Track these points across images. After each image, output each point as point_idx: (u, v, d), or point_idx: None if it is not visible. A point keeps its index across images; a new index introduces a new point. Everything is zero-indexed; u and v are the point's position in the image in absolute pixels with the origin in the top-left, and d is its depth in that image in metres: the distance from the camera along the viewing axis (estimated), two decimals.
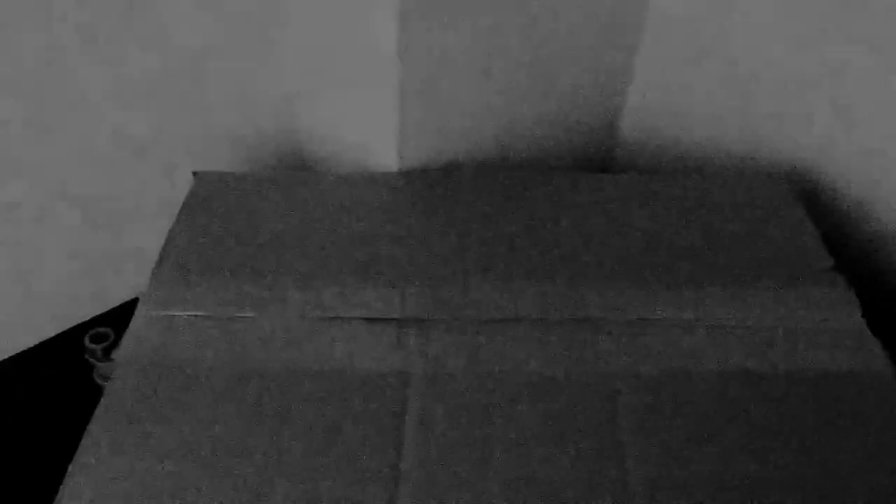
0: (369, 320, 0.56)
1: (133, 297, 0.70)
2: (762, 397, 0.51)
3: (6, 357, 0.76)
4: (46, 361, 0.76)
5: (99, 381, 0.67)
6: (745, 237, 0.62)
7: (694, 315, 0.56)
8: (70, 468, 0.48)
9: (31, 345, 0.77)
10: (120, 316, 0.61)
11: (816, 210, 0.69)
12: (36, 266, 0.75)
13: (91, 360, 0.68)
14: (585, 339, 0.55)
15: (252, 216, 0.65)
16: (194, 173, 0.70)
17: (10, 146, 0.67)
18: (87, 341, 0.68)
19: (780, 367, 0.53)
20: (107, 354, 0.66)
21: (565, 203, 0.67)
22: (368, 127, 0.73)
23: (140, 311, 0.58)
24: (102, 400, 0.52)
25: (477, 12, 0.68)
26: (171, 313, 0.57)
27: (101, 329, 0.68)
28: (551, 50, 0.75)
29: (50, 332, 0.78)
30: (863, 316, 0.56)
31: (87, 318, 0.78)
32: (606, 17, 0.77)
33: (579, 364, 0.53)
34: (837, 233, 0.71)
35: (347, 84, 0.73)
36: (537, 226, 0.64)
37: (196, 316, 0.57)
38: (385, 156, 0.72)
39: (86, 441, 0.49)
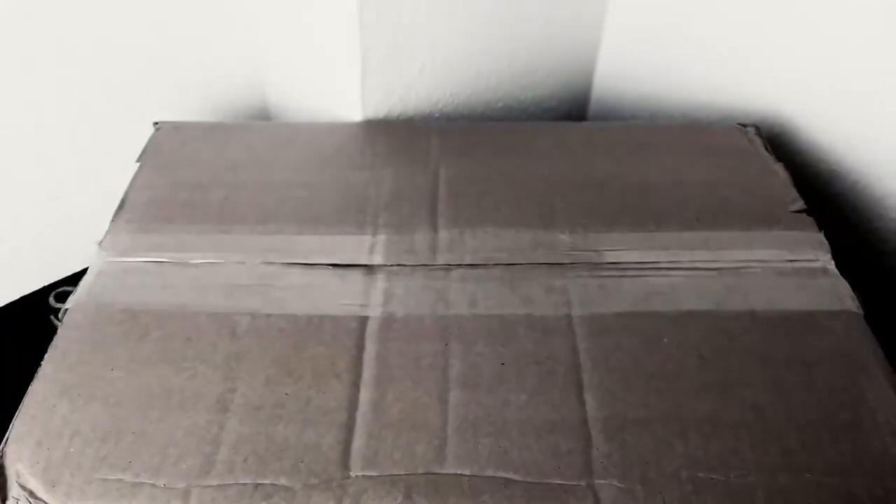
0: (335, 266, 0.55)
1: None
2: (727, 335, 0.50)
3: None
4: (9, 323, 0.75)
5: None
6: (715, 182, 0.61)
7: (664, 257, 0.55)
8: (18, 411, 0.47)
9: None
10: None
11: (788, 159, 0.68)
12: (7, 233, 0.74)
13: (56, 320, 0.66)
14: (554, 283, 0.54)
15: (214, 165, 0.64)
16: (155, 124, 0.68)
17: None
18: (51, 300, 0.67)
19: (747, 307, 0.52)
20: None
21: (533, 151, 0.65)
22: (331, 76, 0.72)
23: (97, 259, 0.57)
24: (53, 343, 0.51)
25: None
26: (128, 259, 0.56)
27: (67, 288, 0.67)
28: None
29: (14, 293, 0.77)
30: (832, 257, 0.55)
31: (55, 280, 0.77)
32: None
33: (545, 306, 0.52)
34: (809, 183, 0.70)
35: (310, 32, 0.72)
36: (506, 173, 0.63)
37: (154, 262, 0.56)
38: (348, 106, 0.71)
39: (35, 385, 0.48)
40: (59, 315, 0.54)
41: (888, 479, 0.42)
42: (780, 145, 0.71)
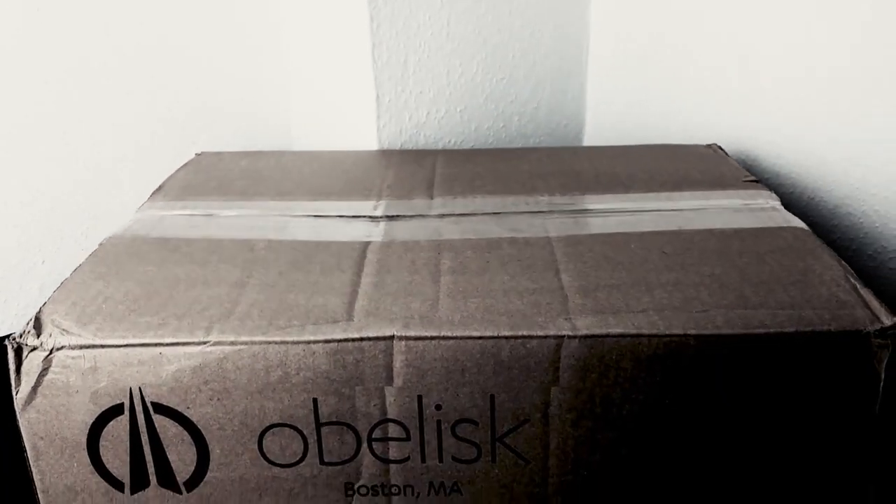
0: (344, 216, 0.63)
1: None
2: (687, 241, 0.56)
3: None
4: None
5: None
6: (678, 168, 0.70)
7: (632, 206, 0.63)
8: (55, 290, 0.52)
9: None
10: None
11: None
12: (49, 254, 0.82)
13: None
14: (535, 221, 0.61)
15: (245, 169, 0.74)
16: (197, 154, 0.79)
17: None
18: None
19: (705, 227, 0.58)
20: None
21: (524, 158, 0.75)
22: (350, 112, 0.83)
23: (132, 217, 0.64)
24: (92, 254, 0.57)
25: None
26: (163, 213, 0.64)
27: None
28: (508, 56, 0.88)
29: None
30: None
31: None
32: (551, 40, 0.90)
33: (526, 233, 0.59)
34: None
35: (331, 78, 0.85)
36: (496, 170, 0.72)
37: (185, 215, 0.63)
38: (366, 140, 0.82)
39: (71, 275, 0.54)
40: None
41: (835, 310, 0.47)
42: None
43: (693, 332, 0.46)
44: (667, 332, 0.46)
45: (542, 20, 0.89)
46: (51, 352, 0.47)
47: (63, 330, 0.47)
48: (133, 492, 0.49)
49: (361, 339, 0.46)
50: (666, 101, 0.90)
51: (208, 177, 0.72)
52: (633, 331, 0.46)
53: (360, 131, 0.82)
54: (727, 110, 0.84)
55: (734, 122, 0.84)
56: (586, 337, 0.46)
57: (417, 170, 0.73)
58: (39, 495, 0.50)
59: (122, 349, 0.47)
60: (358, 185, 0.69)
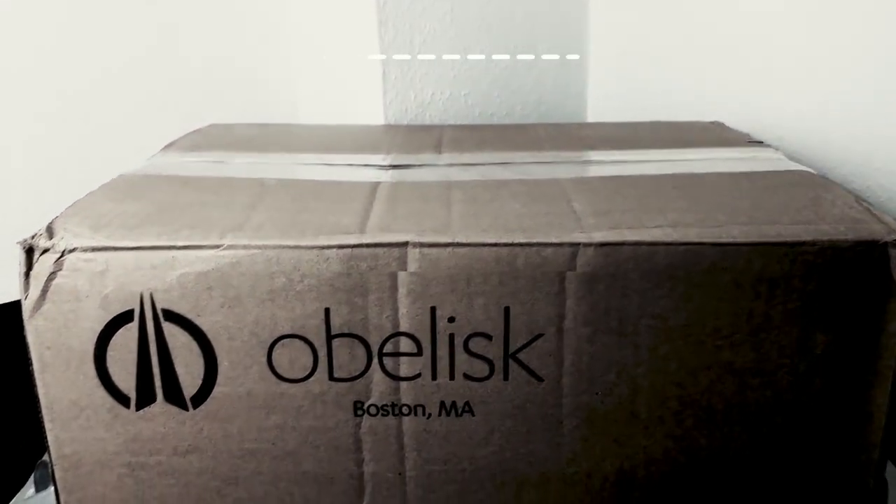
0: (354, 165, 0.63)
1: None
2: (698, 179, 0.57)
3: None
4: None
5: None
6: (683, 132, 0.71)
7: (639, 157, 0.63)
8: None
9: None
10: None
11: None
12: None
13: None
14: (543, 168, 0.61)
15: (256, 132, 0.74)
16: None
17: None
18: None
19: (712, 171, 0.59)
20: None
21: (533, 128, 0.76)
22: (356, 92, 0.84)
23: (143, 163, 0.64)
24: (104, 184, 0.57)
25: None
26: (173, 160, 0.64)
27: None
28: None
29: None
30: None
31: None
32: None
33: (536, 175, 0.59)
34: None
35: (337, 53, 0.86)
36: (502, 136, 0.73)
37: (197, 161, 0.64)
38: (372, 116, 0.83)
39: (85, 196, 0.54)
40: None
41: (850, 223, 0.47)
42: None
43: (709, 240, 0.46)
44: (682, 241, 0.46)
45: (543, 15, 0.91)
46: (62, 254, 0.46)
47: (76, 234, 0.47)
48: (139, 407, 0.48)
49: (375, 245, 0.46)
50: (667, 103, 0.91)
51: (219, 136, 0.72)
52: (649, 239, 0.46)
53: (366, 108, 0.83)
54: (733, 105, 0.86)
55: (739, 114, 0.85)
56: (602, 245, 0.46)
57: (425, 136, 0.74)
58: (43, 411, 0.49)
59: (133, 252, 0.46)
60: (367, 144, 0.70)
